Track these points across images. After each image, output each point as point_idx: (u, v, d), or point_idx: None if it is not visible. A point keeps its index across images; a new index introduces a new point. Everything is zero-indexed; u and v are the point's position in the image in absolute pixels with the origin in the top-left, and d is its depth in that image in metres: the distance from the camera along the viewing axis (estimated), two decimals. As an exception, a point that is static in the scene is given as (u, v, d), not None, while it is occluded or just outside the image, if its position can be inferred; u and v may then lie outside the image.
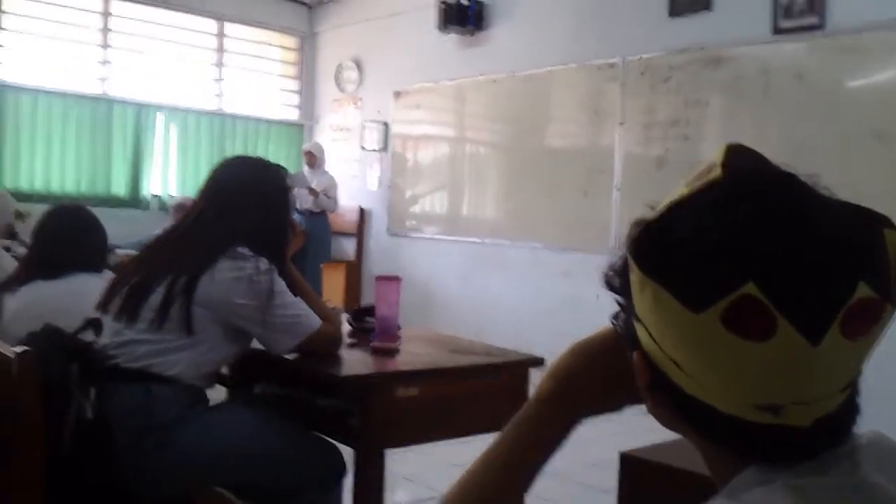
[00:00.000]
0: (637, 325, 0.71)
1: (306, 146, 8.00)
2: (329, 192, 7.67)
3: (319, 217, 7.67)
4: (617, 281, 0.74)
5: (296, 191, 7.26)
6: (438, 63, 7.43)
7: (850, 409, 0.68)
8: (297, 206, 7.44)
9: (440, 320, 6.79)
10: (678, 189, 0.70)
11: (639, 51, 5.79)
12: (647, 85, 5.74)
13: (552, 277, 6.30)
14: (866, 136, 4.61)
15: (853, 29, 4.72)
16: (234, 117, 8.59)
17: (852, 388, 0.68)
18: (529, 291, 6.47)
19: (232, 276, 2.05)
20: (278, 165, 2.34)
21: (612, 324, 0.80)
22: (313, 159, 7.71)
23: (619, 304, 0.76)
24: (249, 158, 2.33)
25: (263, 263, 2.08)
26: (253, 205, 2.17)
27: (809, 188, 0.68)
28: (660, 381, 0.70)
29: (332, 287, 7.78)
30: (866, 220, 0.66)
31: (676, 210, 0.68)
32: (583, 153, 6.18)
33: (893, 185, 4.42)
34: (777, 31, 5.06)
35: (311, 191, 7.51)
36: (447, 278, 7.24)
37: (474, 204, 7.20)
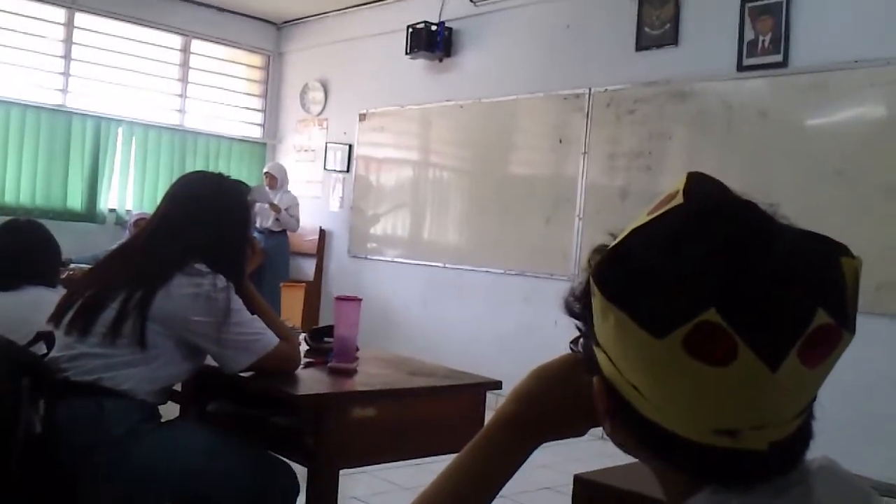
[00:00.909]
0: (597, 351, 0.72)
1: (267, 167, 7.96)
2: (291, 211, 7.64)
3: (279, 236, 7.63)
4: (577, 306, 0.75)
5: (257, 207, 7.23)
6: (405, 87, 7.46)
7: (804, 435, 0.69)
8: (258, 224, 7.40)
9: (399, 343, 6.76)
10: (640, 217, 0.71)
11: (605, 82, 5.87)
12: (613, 116, 5.82)
13: (512, 303, 6.32)
14: (828, 173, 4.71)
15: (816, 67, 4.83)
16: (195, 133, 8.53)
17: (807, 414, 0.69)
18: (489, 316, 6.49)
19: (188, 293, 2.05)
20: (238, 181, 2.35)
21: (572, 349, 0.81)
22: (273, 181, 7.68)
23: (580, 330, 0.76)
24: (208, 173, 2.34)
25: (221, 280, 2.08)
26: (211, 220, 2.17)
27: (769, 216, 0.69)
28: (619, 405, 0.71)
29: (291, 307, 7.72)
30: (825, 248, 0.68)
31: (639, 236, 0.69)
32: (547, 181, 6.23)
33: (853, 221, 4.52)
34: (741, 67, 5.16)
35: (273, 206, 7.46)
36: (407, 301, 7.23)
37: (436, 228, 7.20)
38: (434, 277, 7.02)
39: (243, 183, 2.38)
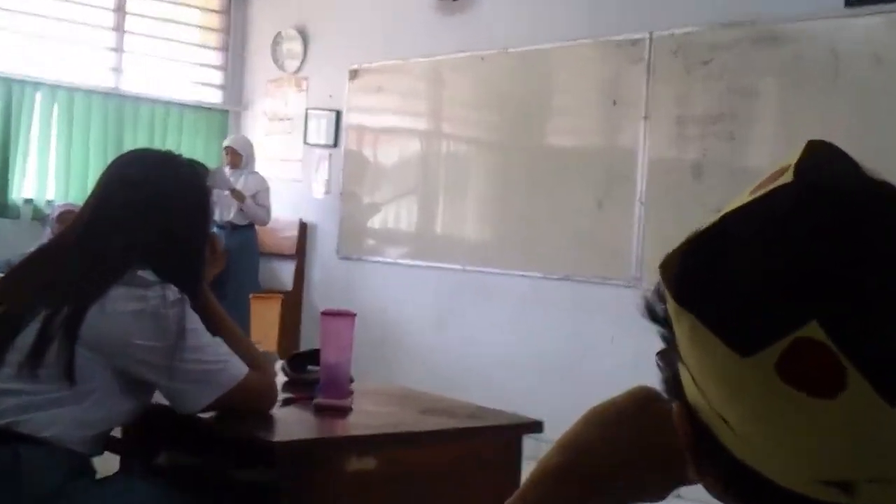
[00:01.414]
0: (682, 369, 0.72)
1: (227, 141, 7.98)
2: (259, 198, 7.66)
3: (245, 231, 7.66)
4: (661, 307, 0.75)
5: (215, 194, 7.25)
6: (408, 34, 7.45)
7: None
8: (218, 216, 7.40)
9: (406, 371, 6.76)
10: (740, 197, 0.71)
11: (671, 24, 5.84)
12: (681, 68, 5.79)
13: (555, 316, 6.30)
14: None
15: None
16: (136, 99, 8.56)
17: None
18: (524, 334, 6.47)
19: (130, 310, 2.06)
20: (193, 162, 2.35)
21: (658, 365, 0.80)
22: (237, 159, 7.70)
23: (664, 339, 0.76)
24: (154, 151, 2.37)
25: (172, 292, 2.09)
26: (158, 213, 2.18)
27: None
28: (704, 440, 0.70)
29: (264, 326, 7.73)
30: None
31: (731, 222, 0.69)
32: (597, 155, 6.22)
33: None
34: (850, 2, 5.13)
35: (236, 194, 7.49)
36: (416, 316, 7.23)
37: (453, 219, 7.20)
38: (451, 284, 7.02)
39: (200, 163, 2.39)
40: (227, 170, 7.64)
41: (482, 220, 7.00)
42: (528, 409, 2.64)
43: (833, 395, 0.61)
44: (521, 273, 6.54)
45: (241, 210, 7.56)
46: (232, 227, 7.52)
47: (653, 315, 0.76)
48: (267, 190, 7.76)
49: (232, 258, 7.15)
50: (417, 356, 7.10)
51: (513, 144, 6.76)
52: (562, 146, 6.53)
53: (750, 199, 0.69)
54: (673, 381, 0.75)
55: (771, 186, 0.69)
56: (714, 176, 5.54)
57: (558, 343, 6.24)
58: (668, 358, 0.76)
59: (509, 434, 2.40)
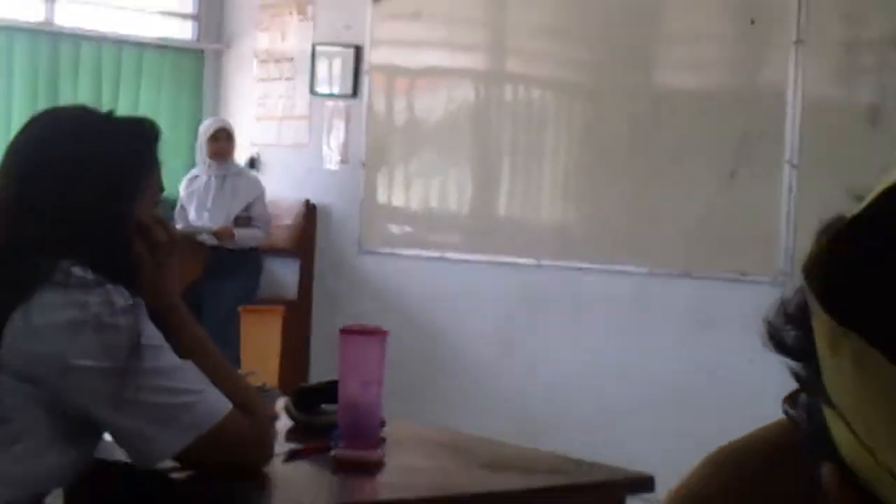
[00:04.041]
0: (830, 416, 0.72)
1: (214, 124, 8.16)
2: (254, 211, 7.93)
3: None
4: (793, 336, 0.76)
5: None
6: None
7: None
8: (192, 216, 7.80)
9: (459, 409, 6.79)
10: None
11: None
12: (849, -29, 5.77)
13: (669, 328, 6.31)
14: None
15: None
16: (76, 37, 8.66)
17: None
18: (626, 354, 6.49)
19: (66, 320, 2.08)
20: (139, 118, 2.42)
21: (786, 413, 0.82)
22: (229, 146, 7.99)
23: (798, 378, 0.77)
24: (70, 110, 2.46)
25: (120, 296, 2.11)
26: (86, 185, 2.22)
27: None
28: None
29: (260, 348, 7.80)
30: None
31: (891, 202, 0.69)
32: (728, 100, 6.24)
33: None
34: None
35: (220, 232, 7.74)
36: (473, 332, 7.28)
37: (522, 198, 7.27)
38: (520, 287, 7.07)
39: (147, 120, 2.43)
40: (205, 167, 7.96)
41: (565, 199, 7.05)
42: (634, 461, 2.67)
43: None
44: (622, 269, 6.58)
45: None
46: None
47: (781, 346, 0.76)
48: (262, 196, 8.00)
49: (216, 259, 7.33)
50: (475, 388, 7.14)
51: (607, 90, 6.79)
52: (678, 89, 6.56)
53: None
54: (816, 434, 0.75)
55: None
56: (899, 124, 5.51)
57: (674, 365, 6.26)
58: (807, 403, 0.77)
59: (609, 495, 2.44)
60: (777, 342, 0.76)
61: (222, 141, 7.91)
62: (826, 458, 0.75)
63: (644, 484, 2.40)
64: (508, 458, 2.60)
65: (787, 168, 5.93)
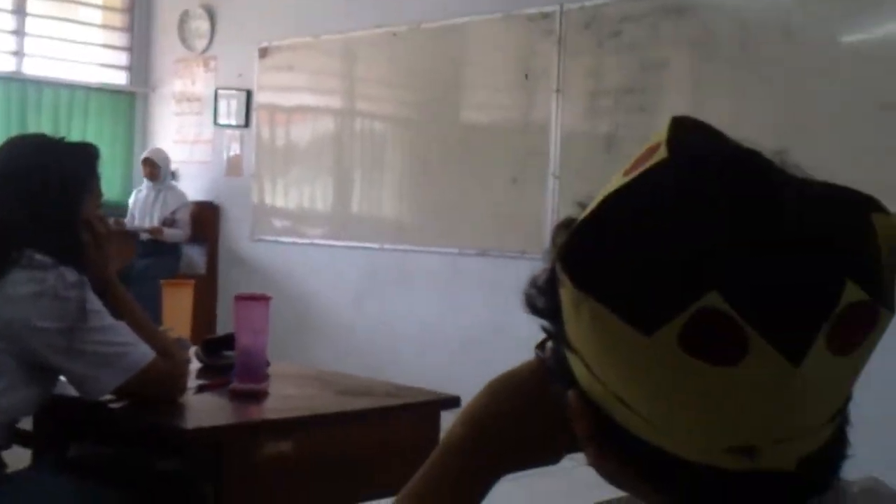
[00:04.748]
0: (572, 357, 0.72)
1: (146, 152, 8.13)
2: (179, 215, 7.88)
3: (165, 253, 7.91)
4: (542, 301, 0.76)
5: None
6: (319, 11, 7.39)
7: (839, 445, 0.70)
8: (136, 219, 7.72)
9: (323, 353, 6.74)
10: (616, 178, 0.72)
11: (581, -4, 5.88)
12: (593, 41, 5.82)
13: (472, 293, 6.33)
14: (871, 107, 4.78)
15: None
16: (39, 83, 8.37)
17: (841, 418, 0.70)
18: (444, 312, 6.49)
19: (30, 292, 2.06)
20: (80, 143, 2.43)
21: (539, 356, 0.82)
22: (156, 170, 7.91)
23: (547, 332, 0.77)
24: (33, 136, 2.48)
25: (70, 274, 2.10)
26: (43, 195, 2.21)
27: (777, 169, 0.70)
28: (603, 425, 0.71)
29: (177, 312, 7.65)
30: (850, 204, 0.68)
31: (614, 203, 0.70)
32: (510, 130, 6.24)
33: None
34: (756, -28, 5.21)
35: (154, 231, 7.77)
36: (333, 297, 7.21)
37: (369, 198, 7.18)
38: (368, 264, 7.01)
39: (91, 144, 2.43)
40: (145, 181, 7.91)
41: (398, 199, 6.98)
42: (448, 387, 2.64)
43: (736, 362, 0.63)
44: (438, 250, 6.55)
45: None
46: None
47: (535, 309, 0.77)
48: (187, 206, 7.93)
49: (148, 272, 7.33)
50: (336, 338, 7.08)
51: (427, 121, 6.75)
52: (476, 122, 6.54)
53: (629, 179, 0.70)
54: (560, 370, 0.75)
55: (647, 165, 0.70)
56: (626, 148, 5.58)
57: (476, 318, 6.27)
58: (553, 348, 0.77)
59: (427, 412, 2.41)
60: (531, 306, 0.77)
61: (148, 166, 7.90)
62: (569, 387, 0.74)
63: (453, 402, 2.39)
64: (357, 387, 2.57)
65: (551, 178, 6.00)
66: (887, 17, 4.82)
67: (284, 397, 2.39)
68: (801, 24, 5.07)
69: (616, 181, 0.71)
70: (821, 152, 4.72)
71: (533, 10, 6.10)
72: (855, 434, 0.72)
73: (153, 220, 7.81)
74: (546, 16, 6.04)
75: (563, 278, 0.70)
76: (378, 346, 6.79)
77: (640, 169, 0.70)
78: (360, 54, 7.22)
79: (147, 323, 2.32)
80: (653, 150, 0.71)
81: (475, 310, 6.30)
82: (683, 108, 5.55)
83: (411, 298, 6.72)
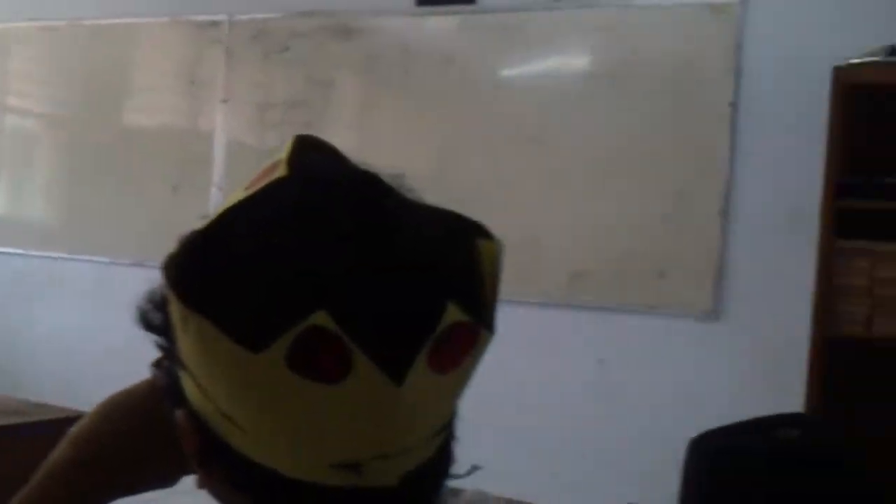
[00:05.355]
0: (183, 375, 0.72)
1: None
2: None
3: None
4: (158, 317, 0.76)
5: None
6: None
7: (443, 461, 0.73)
8: None
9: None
10: (235, 193, 0.72)
11: (250, 8, 5.87)
12: (261, 54, 5.84)
13: (125, 304, 6.10)
14: (521, 137, 5.06)
15: (509, 6, 5.18)
16: None
17: (447, 434, 0.73)
18: (92, 324, 6.27)
19: None
20: None
21: (154, 375, 0.82)
22: None
23: (161, 348, 0.77)
24: None
25: None
26: None
27: (392, 192, 0.72)
28: (211, 443, 0.71)
29: None
30: (455, 229, 0.72)
31: (231, 218, 0.70)
32: (174, 136, 6.15)
33: (550, 198, 4.87)
34: (422, 1, 5.39)
35: None
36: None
37: (16, 201, 6.88)
38: (13, 271, 6.69)
39: None
40: None
41: (49, 202, 6.70)
42: (87, 403, 2.53)
43: (339, 380, 0.64)
44: (90, 258, 6.35)
45: None
46: None
47: (149, 325, 0.77)
48: None
49: None
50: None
51: (85, 122, 6.53)
52: (137, 126, 6.38)
53: (248, 194, 0.71)
54: (173, 389, 0.74)
55: (268, 180, 0.71)
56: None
57: (129, 333, 6.03)
58: (167, 366, 0.77)
59: (57, 429, 2.31)
60: (146, 322, 0.77)
61: None
62: (180, 406, 0.73)
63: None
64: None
65: (214, 189, 5.95)
66: (537, 53, 5.13)
67: None
68: (463, 54, 5.31)
69: (236, 194, 0.72)
70: (475, 176, 4.98)
71: (202, 18, 6.06)
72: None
73: None
74: (215, 24, 6.00)
75: (170, 294, 0.69)
76: (18, 360, 6.48)
77: (261, 184, 0.70)
78: (12, 49, 6.88)
79: None
80: (274, 167, 0.72)
81: (127, 322, 6.06)
82: (349, 126, 5.73)
83: (58, 308, 6.48)
